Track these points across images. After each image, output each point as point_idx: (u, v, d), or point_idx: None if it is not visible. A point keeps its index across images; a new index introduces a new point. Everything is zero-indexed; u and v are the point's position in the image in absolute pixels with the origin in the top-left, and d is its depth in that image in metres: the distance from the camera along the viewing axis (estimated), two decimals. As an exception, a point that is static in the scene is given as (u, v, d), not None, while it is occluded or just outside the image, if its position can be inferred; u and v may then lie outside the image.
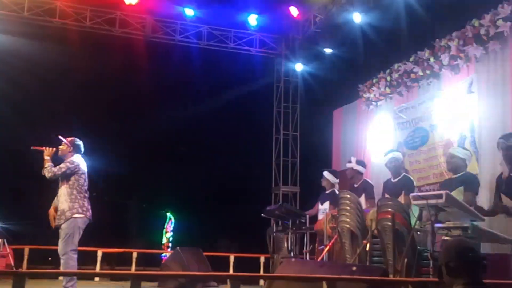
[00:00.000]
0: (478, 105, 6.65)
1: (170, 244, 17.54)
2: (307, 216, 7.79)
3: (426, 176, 7.36)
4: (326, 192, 7.88)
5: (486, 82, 6.63)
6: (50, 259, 10.40)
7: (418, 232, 5.21)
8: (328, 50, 10.18)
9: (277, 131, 11.84)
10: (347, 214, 5.87)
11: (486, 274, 5.46)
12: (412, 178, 6.25)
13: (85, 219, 5.53)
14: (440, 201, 4.28)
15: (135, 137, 12.97)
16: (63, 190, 5.56)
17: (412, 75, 7.87)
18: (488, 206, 5.09)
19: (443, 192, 4.33)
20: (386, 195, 5.97)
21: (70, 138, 5.81)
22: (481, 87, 6.68)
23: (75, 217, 5.45)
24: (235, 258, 9.66)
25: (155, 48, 10.71)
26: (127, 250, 9.65)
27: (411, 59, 7.87)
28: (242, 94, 11.67)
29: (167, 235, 18.54)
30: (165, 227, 18.65)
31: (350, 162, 7.26)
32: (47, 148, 5.69)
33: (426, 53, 7.52)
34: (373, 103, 9.01)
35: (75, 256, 5.34)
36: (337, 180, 8.00)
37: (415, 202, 4.56)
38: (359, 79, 9.31)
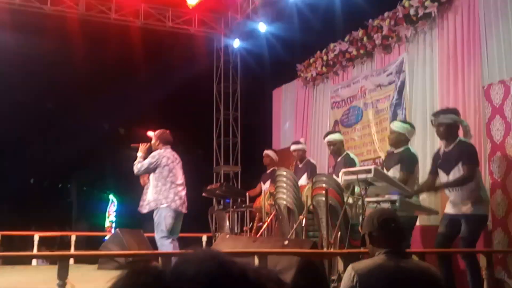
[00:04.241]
0: (408, 84, 6.90)
1: (113, 227, 17.24)
2: (247, 194, 7.90)
3: (360, 153, 7.59)
4: (268, 172, 8.01)
5: (416, 61, 6.88)
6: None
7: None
8: (263, 27, 10.21)
9: (217, 110, 11.83)
10: (284, 191, 6.00)
11: (416, 244, 5.76)
12: (352, 156, 6.33)
13: (170, 209, 5.91)
14: (369, 175, 4.44)
15: (74, 121, 12.65)
16: (151, 182, 6.04)
17: (347, 55, 8.05)
18: (422, 182, 5.28)
19: (371, 167, 4.51)
20: (334, 175, 6.06)
21: (157, 132, 6.24)
22: (411, 66, 6.93)
23: (159, 207, 5.90)
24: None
25: (89, 27, 10.35)
26: (65, 233, 9.45)
27: (346, 39, 8.04)
28: (181, 74, 11.55)
29: (110, 218, 18.22)
30: (107, 210, 18.32)
31: (299, 143, 7.29)
32: (143, 144, 6.17)
33: (360, 33, 7.70)
34: (311, 82, 9.16)
35: (167, 241, 5.84)
36: (277, 158, 8.15)
37: (346, 177, 4.72)
38: (298, 59, 9.42)
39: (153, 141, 6.20)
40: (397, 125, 5.47)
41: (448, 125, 4.80)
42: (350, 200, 5.29)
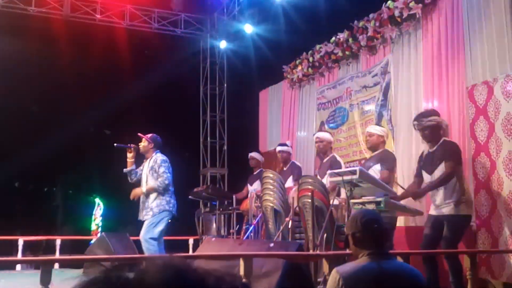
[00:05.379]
0: (393, 85, 6.93)
1: (99, 231, 17.09)
2: (234, 196, 7.88)
3: (346, 154, 7.60)
4: (254, 173, 8.00)
5: (401, 62, 6.90)
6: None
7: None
8: (249, 29, 10.20)
9: (204, 112, 11.80)
10: (270, 193, 5.99)
11: (401, 245, 5.78)
12: (339, 158, 6.36)
13: (171, 214, 5.96)
14: (354, 177, 4.45)
15: (59, 123, 12.52)
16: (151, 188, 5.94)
17: (333, 56, 8.05)
18: (408, 185, 5.31)
19: (356, 168, 4.51)
20: (318, 175, 6.09)
21: (150, 135, 6.13)
22: (396, 67, 6.95)
23: (162, 212, 5.86)
24: (164, 241, 9.57)
25: (74, 28, 10.27)
26: (50, 237, 9.34)
27: (331, 40, 8.05)
28: (167, 75, 11.49)
29: (96, 221, 18.05)
30: (93, 213, 18.15)
31: (285, 145, 7.27)
32: (131, 145, 6.07)
33: (345, 34, 7.72)
34: (297, 84, 9.16)
35: (155, 242, 5.76)
36: (263, 160, 8.16)
37: (332, 179, 4.71)
38: (284, 60, 9.42)
39: (145, 144, 6.10)
40: (376, 128, 5.74)
41: (433, 127, 4.85)
42: (336, 202, 5.31)
